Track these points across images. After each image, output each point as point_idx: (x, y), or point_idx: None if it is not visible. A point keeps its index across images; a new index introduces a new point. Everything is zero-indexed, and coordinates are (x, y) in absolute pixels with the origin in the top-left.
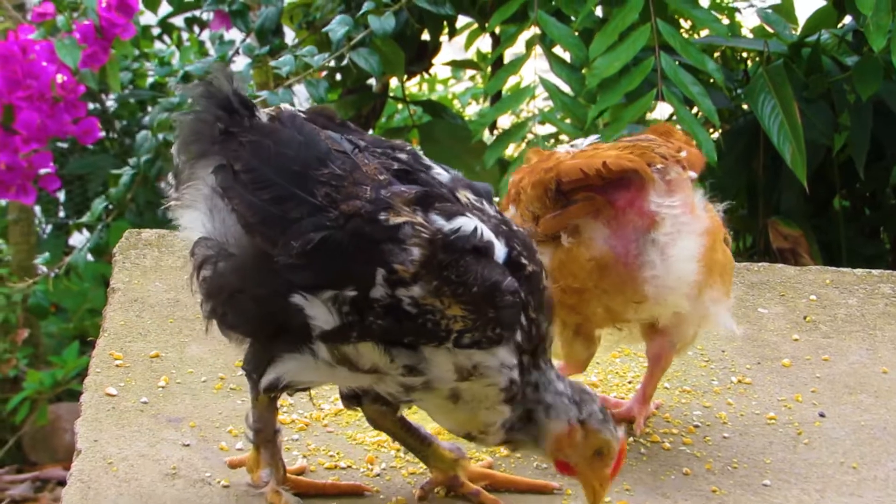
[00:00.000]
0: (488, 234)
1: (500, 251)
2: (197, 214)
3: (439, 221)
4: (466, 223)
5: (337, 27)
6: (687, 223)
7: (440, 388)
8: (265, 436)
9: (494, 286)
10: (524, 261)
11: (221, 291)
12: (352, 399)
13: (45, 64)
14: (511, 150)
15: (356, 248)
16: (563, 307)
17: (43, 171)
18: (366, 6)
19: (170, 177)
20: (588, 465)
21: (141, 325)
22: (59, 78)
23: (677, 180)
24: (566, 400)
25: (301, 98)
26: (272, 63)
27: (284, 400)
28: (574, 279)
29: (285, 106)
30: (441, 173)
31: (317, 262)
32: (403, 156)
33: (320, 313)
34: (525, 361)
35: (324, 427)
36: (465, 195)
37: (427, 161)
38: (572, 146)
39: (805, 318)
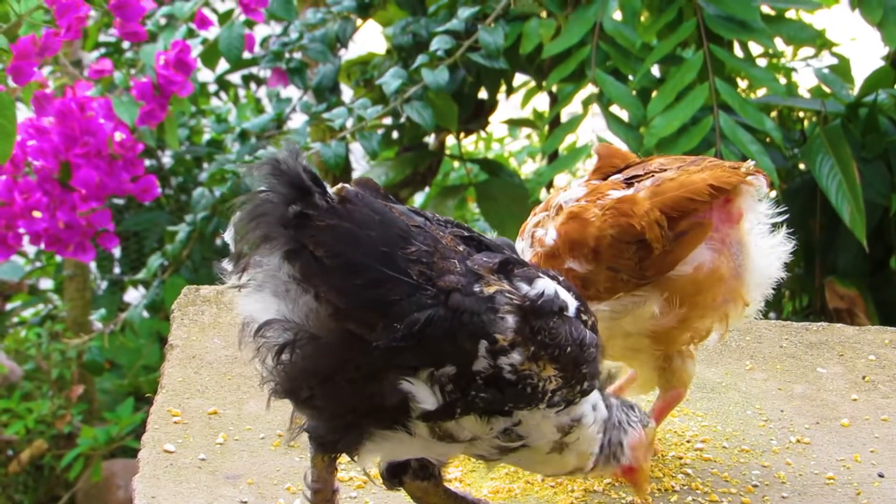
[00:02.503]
0: (563, 293)
1: (572, 307)
2: (264, 298)
3: (524, 287)
4: (547, 285)
5: (391, 80)
6: (764, 226)
7: (540, 445)
8: (324, 495)
9: (582, 343)
10: (584, 311)
11: (308, 375)
12: (393, 479)
13: (102, 121)
14: None
15: (459, 323)
16: (668, 334)
17: (101, 228)
18: (419, 59)
19: (227, 261)
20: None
21: (199, 382)
22: (118, 136)
23: (761, 187)
24: (625, 410)
25: (357, 154)
26: (325, 115)
27: (342, 456)
28: (697, 304)
29: (346, 185)
30: (492, 238)
31: (421, 341)
32: (454, 226)
33: (424, 394)
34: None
35: (382, 485)
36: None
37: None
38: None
39: (864, 378)
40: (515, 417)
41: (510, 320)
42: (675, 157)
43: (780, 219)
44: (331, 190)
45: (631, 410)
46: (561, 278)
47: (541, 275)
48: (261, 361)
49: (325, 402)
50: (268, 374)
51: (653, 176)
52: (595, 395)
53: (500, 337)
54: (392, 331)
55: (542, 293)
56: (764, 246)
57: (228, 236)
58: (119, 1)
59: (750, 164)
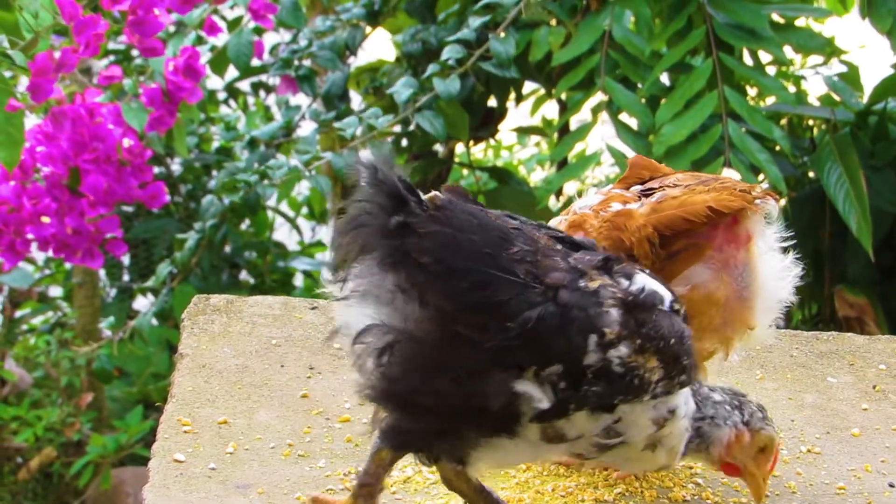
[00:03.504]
0: (659, 287)
1: (668, 300)
2: (367, 308)
3: (624, 282)
4: (645, 280)
5: (402, 89)
6: (773, 248)
7: (636, 441)
8: (370, 490)
9: (681, 335)
10: (677, 303)
11: (410, 376)
12: (429, 457)
13: (111, 127)
14: None
15: (569, 319)
16: None
17: (109, 235)
18: (430, 69)
19: (327, 273)
20: (754, 463)
21: (209, 391)
22: (126, 142)
23: (770, 212)
24: (727, 407)
25: None
26: (336, 125)
27: (353, 466)
28: (693, 325)
29: (437, 193)
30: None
31: (533, 339)
32: (546, 228)
33: (537, 393)
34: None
35: (392, 494)
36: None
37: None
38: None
39: (874, 387)
40: (617, 413)
41: (615, 314)
42: (695, 174)
43: (789, 242)
44: (425, 198)
45: (738, 410)
46: (651, 273)
47: (637, 270)
48: (359, 367)
49: (427, 404)
50: (366, 380)
51: (662, 191)
52: (687, 389)
53: (608, 330)
54: (504, 330)
55: (643, 288)
56: (773, 269)
57: (328, 243)
58: (137, 18)
59: (761, 186)
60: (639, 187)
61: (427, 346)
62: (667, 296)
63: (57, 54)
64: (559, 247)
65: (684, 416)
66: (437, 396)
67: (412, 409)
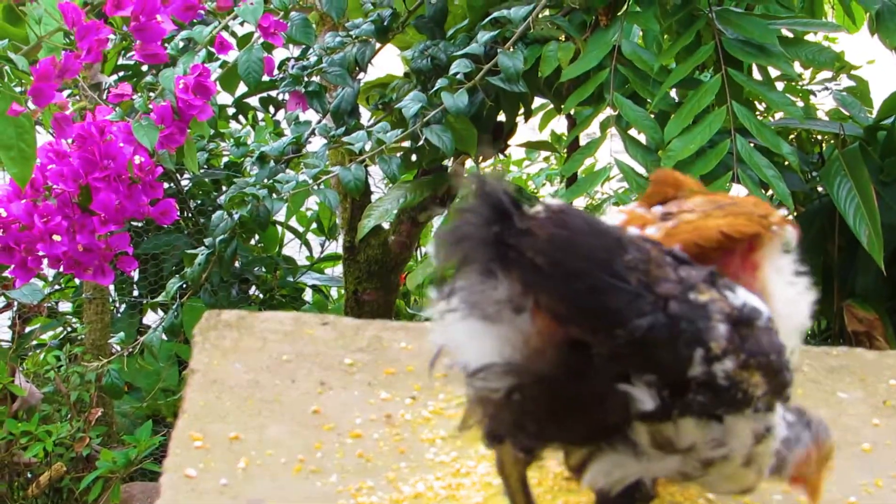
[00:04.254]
0: (760, 304)
1: (766, 316)
2: (472, 324)
3: (730, 296)
4: (747, 296)
5: (410, 104)
6: (790, 274)
7: (735, 457)
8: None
9: (780, 350)
10: (773, 320)
11: (540, 412)
12: (495, 438)
13: (122, 145)
14: None
15: (677, 330)
16: None
17: (120, 251)
18: (439, 83)
19: (433, 290)
20: (817, 474)
21: (220, 407)
22: (137, 159)
23: (787, 239)
24: (800, 428)
25: (376, 176)
26: (345, 139)
27: (364, 482)
28: None
29: (551, 199)
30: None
31: (641, 348)
32: (651, 241)
33: (643, 395)
34: None
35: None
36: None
37: None
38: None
39: (885, 402)
40: (725, 424)
41: (722, 328)
42: (715, 198)
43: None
44: (537, 207)
45: (807, 429)
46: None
47: (737, 286)
48: (474, 404)
49: (554, 433)
50: (482, 418)
51: (681, 215)
52: (781, 408)
53: (715, 345)
54: (614, 337)
55: (745, 303)
56: (790, 295)
57: (430, 254)
58: (139, 23)
59: (779, 213)
60: (660, 208)
61: (546, 383)
62: (765, 311)
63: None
64: (668, 258)
65: (776, 437)
66: (561, 423)
67: (538, 438)
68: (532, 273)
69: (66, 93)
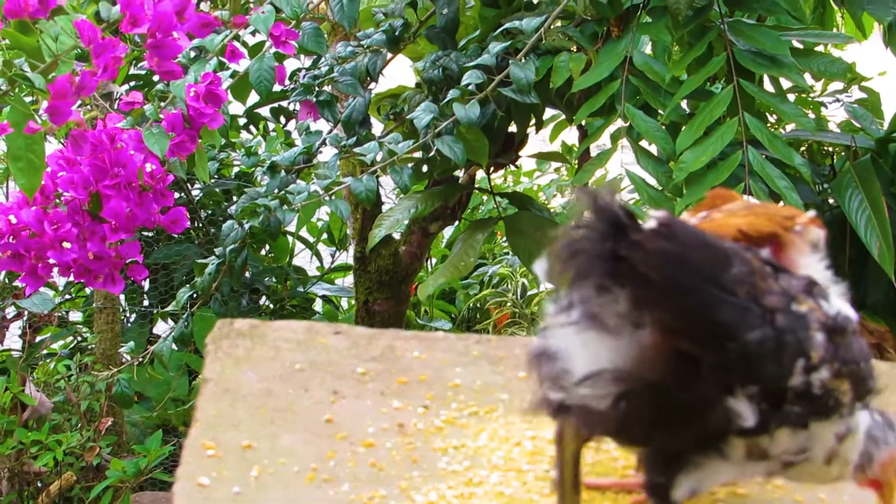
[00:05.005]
0: (849, 310)
1: (854, 323)
2: (587, 337)
3: (825, 305)
4: (839, 304)
5: (422, 114)
6: (819, 276)
7: (819, 456)
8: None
9: (868, 357)
10: (857, 326)
11: (646, 418)
12: (562, 410)
13: (132, 153)
14: None
15: (783, 343)
16: None
17: (130, 260)
18: (451, 94)
19: (549, 303)
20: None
21: (233, 416)
22: (148, 167)
23: (815, 239)
24: (886, 428)
25: (387, 187)
26: (356, 150)
27: (376, 490)
28: None
29: (659, 213)
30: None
31: (750, 361)
32: (749, 250)
33: (745, 410)
34: None
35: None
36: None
37: None
38: None
39: None
40: (810, 430)
41: (819, 338)
42: (749, 203)
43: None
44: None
45: (890, 429)
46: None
47: (830, 294)
48: (578, 406)
49: (657, 440)
50: (588, 420)
51: (711, 215)
52: (869, 408)
53: (814, 354)
54: (725, 351)
55: (839, 311)
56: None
57: (540, 271)
58: (155, 41)
59: (806, 214)
60: (703, 213)
61: (655, 390)
62: (854, 317)
63: (76, 77)
64: (768, 269)
65: (863, 434)
66: (667, 429)
67: (644, 443)
68: (644, 288)
69: (76, 102)
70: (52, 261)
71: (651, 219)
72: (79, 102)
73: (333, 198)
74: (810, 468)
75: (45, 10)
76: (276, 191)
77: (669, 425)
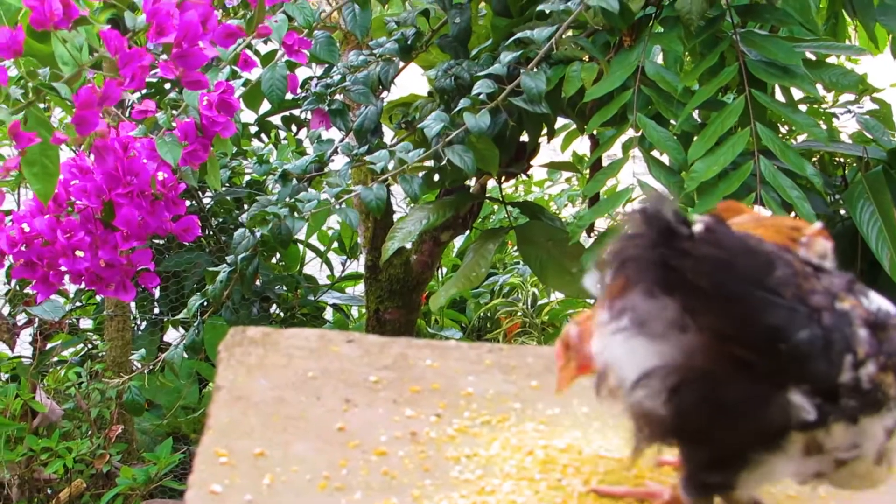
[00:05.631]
0: (888, 304)
1: (894, 315)
2: (638, 343)
3: (865, 301)
4: (878, 299)
5: (432, 123)
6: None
7: (868, 454)
8: None
9: None
10: None
11: (704, 410)
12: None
13: (145, 161)
14: None
15: (831, 341)
16: None
17: (142, 268)
18: (461, 103)
19: (602, 309)
20: None
21: (245, 423)
22: (160, 175)
23: (822, 251)
24: None
25: (398, 196)
26: (367, 158)
27: (388, 499)
28: None
29: (704, 217)
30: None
31: (801, 361)
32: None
33: (806, 405)
34: None
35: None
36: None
37: None
38: None
39: None
40: (860, 425)
41: (864, 334)
42: (759, 216)
43: None
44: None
45: None
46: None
47: (869, 290)
48: (635, 412)
49: (718, 432)
50: (645, 423)
51: None
52: None
53: (860, 350)
54: (777, 353)
55: (879, 307)
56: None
57: (591, 282)
58: (181, 50)
59: (815, 225)
60: None
61: (711, 378)
62: (893, 311)
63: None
64: (809, 269)
65: None
66: (725, 422)
67: (704, 441)
68: (694, 295)
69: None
70: (63, 269)
71: (697, 223)
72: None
73: (343, 206)
74: (860, 468)
75: (69, 21)
76: (287, 199)
77: (727, 420)
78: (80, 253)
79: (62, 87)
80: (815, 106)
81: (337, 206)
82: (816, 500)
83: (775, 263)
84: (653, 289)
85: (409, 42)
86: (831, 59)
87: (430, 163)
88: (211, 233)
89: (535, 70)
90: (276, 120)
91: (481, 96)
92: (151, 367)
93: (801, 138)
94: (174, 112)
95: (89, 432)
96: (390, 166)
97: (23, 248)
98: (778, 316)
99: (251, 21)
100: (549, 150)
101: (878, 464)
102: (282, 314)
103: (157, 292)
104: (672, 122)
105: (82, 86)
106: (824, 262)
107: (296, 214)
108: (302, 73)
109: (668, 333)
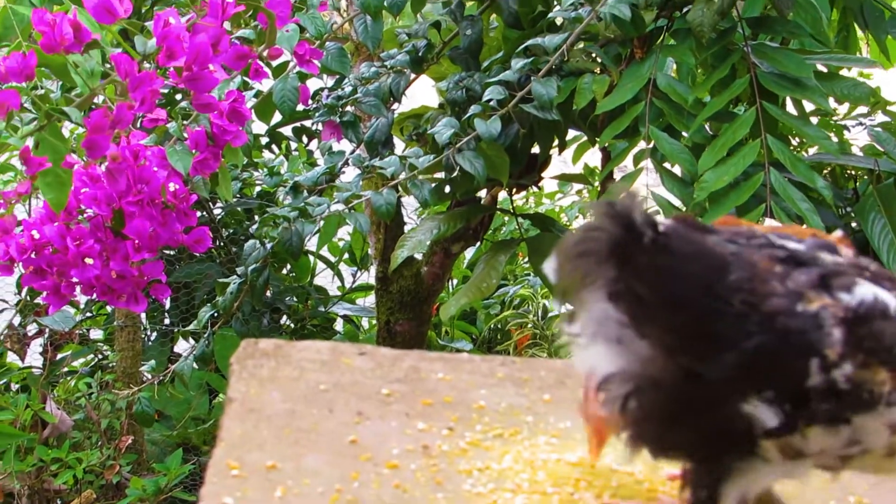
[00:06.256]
0: (883, 294)
1: (892, 303)
2: (599, 349)
3: (845, 297)
4: (866, 290)
5: (443, 129)
6: None
7: (875, 450)
8: None
9: None
10: None
11: (656, 418)
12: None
13: (156, 169)
14: None
15: (787, 345)
16: None
17: (153, 279)
18: (472, 110)
19: (563, 311)
20: None
21: (257, 436)
22: (171, 186)
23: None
24: None
25: (409, 208)
26: (377, 163)
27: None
28: None
29: (664, 220)
30: (798, 245)
31: (753, 368)
32: (769, 247)
33: (765, 413)
34: None
35: None
36: (826, 257)
37: (781, 238)
38: None
39: None
40: (854, 424)
41: (836, 334)
42: (773, 227)
43: None
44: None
45: None
46: (875, 271)
47: (858, 280)
48: (610, 413)
49: (677, 442)
50: (620, 425)
51: None
52: None
53: (830, 352)
54: (722, 362)
55: (862, 301)
56: None
57: (550, 270)
58: (192, 74)
59: (836, 233)
60: None
61: (661, 387)
62: (892, 301)
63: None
64: (778, 269)
65: None
66: (682, 431)
67: (667, 448)
68: (637, 304)
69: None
70: (74, 279)
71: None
72: None
73: (353, 211)
74: (871, 460)
75: (80, 45)
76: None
77: (683, 428)
78: (90, 261)
79: (73, 112)
80: (827, 118)
81: (347, 212)
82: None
83: (729, 268)
84: (608, 290)
85: (420, 54)
86: (843, 72)
87: (440, 174)
88: (221, 244)
89: (545, 78)
90: (286, 131)
91: (492, 103)
92: (161, 377)
93: (812, 150)
94: (185, 121)
95: (99, 443)
96: (401, 174)
97: (32, 256)
98: (722, 324)
99: (261, 35)
100: (559, 162)
101: (892, 457)
102: (292, 325)
103: (167, 303)
104: (684, 133)
105: (94, 109)
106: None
107: (306, 219)
108: (312, 83)
109: (624, 338)
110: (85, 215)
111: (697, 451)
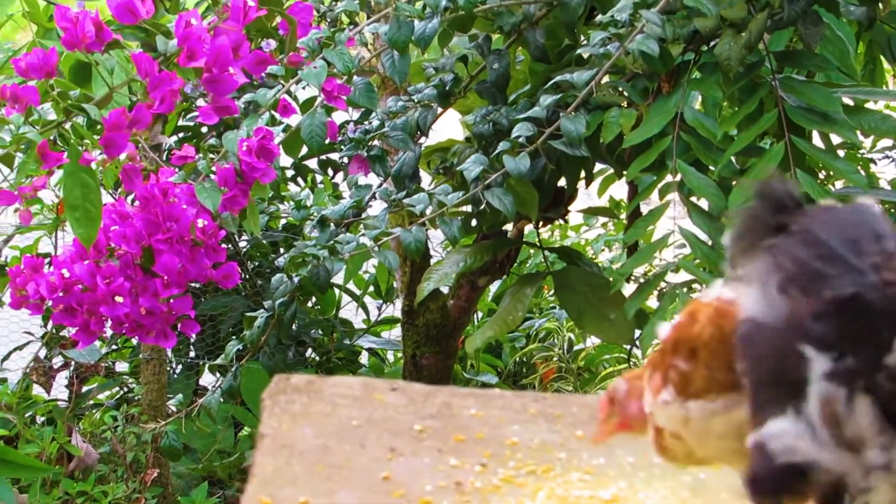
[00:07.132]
0: None
1: None
2: (750, 290)
3: None
4: None
5: (472, 166)
6: None
7: None
8: None
9: None
10: None
11: (756, 353)
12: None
13: (184, 207)
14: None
15: (885, 314)
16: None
17: (182, 315)
18: (501, 146)
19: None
20: None
21: (290, 472)
22: (200, 223)
23: None
24: None
25: (435, 241)
26: (406, 201)
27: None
28: None
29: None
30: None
31: (840, 317)
32: None
33: (823, 364)
34: None
35: None
36: None
37: None
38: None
39: None
40: None
41: None
42: None
43: None
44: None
45: None
46: None
47: None
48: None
49: (756, 374)
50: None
51: None
52: None
53: None
54: (818, 297)
55: None
56: None
57: (727, 241)
58: (211, 75)
59: None
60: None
61: (771, 324)
62: None
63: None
64: None
65: None
66: (763, 368)
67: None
68: (784, 272)
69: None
70: (104, 316)
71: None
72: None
73: (381, 248)
74: None
75: (101, 44)
76: (326, 243)
77: (764, 366)
78: (119, 299)
79: (92, 109)
80: (853, 151)
81: (375, 248)
82: None
83: (883, 239)
84: (763, 251)
85: (447, 88)
86: (869, 105)
87: (468, 208)
88: (247, 276)
89: (574, 114)
90: (312, 163)
91: (521, 139)
92: (187, 411)
93: (839, 184)
94: (213, 157)
95: (125, 476)
96: (429, 210)
97: (62, 294)
98: (835, 268)
99: (283, 45)
100: (584, 195)
101: None
102: (317, 358)
103: (193, 336)
104: (711, 168)
105: (113, 108)
106: None
107: (334, 256)
108: (338, 115)
109: (769, 290)
110: (115, 253)
111: (762, 388)
